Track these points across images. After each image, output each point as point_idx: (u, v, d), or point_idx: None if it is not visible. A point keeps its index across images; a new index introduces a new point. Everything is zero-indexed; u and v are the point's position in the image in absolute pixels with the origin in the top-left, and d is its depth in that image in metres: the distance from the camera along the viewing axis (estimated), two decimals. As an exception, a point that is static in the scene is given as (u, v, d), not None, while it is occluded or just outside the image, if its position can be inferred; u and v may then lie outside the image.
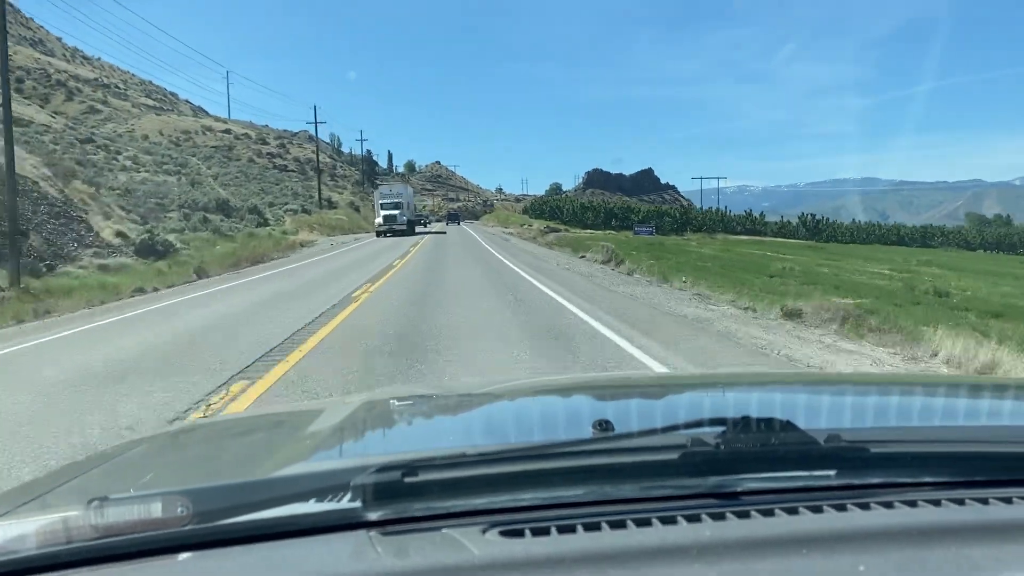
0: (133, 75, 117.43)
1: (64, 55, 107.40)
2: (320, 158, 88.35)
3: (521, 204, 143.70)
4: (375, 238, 44.77)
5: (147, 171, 46.25)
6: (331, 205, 50.05)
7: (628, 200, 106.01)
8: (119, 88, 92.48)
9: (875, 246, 72.03)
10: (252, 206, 38.69)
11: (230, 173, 59.11)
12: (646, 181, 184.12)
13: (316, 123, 63.16)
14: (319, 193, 55.75)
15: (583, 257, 26.58)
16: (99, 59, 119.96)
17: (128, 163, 47.31)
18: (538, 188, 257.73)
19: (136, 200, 30.87)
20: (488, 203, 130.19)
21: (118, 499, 0.98)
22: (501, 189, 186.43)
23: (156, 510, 0.95)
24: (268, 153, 69.72)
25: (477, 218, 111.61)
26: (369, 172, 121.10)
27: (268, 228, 36.54)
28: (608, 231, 67.97)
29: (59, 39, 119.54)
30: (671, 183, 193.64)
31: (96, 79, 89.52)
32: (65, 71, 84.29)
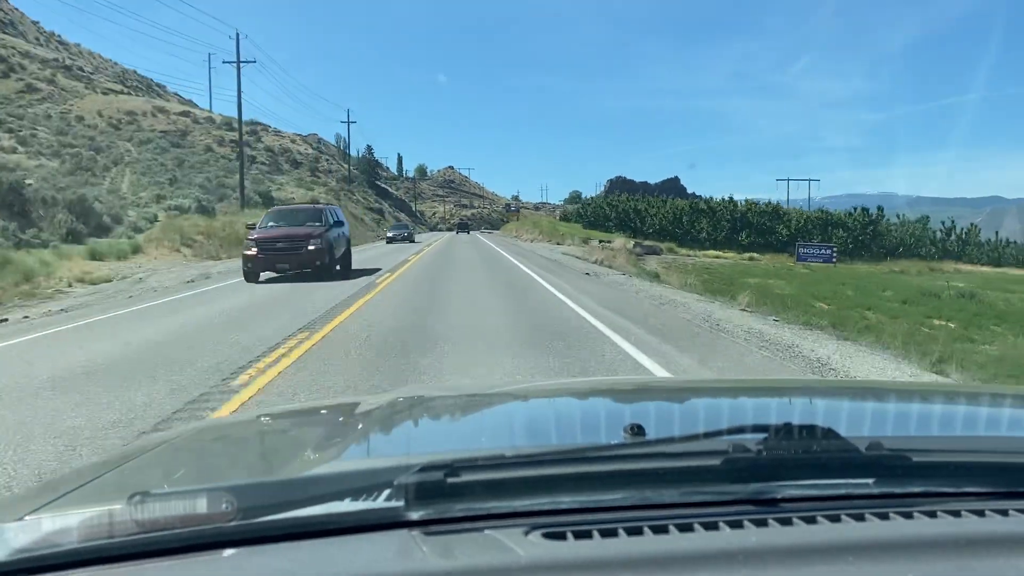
0: (115, 63, 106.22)
1: (37, 39, 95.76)
2: (304, 150, 74.40)
3: (542, 212, 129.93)
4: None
5: (25, 152, 32.49)
6: (271, 203, 35.54)
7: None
8: (82, 71, 79.26)
9: None
10: (76, 199, 23.64)
11: (159, 160, 45.22)
12: (672, 190, 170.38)
13: (239, 67, 38.05)
14: (241, 186, 39.63)
15: None
16: (78, 45, 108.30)
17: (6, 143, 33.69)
18: (557, 196, 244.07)
19: None
20: (511, 208, 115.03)
21: (161, 494, 0.97)
22: (518, 196, 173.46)
23: (201, 505, 0.93)
24: (232, 140, 55.75)
25: (495, 228, 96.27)
26: (370, 173, 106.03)
27: (78, 246, 20.90)
28: (747, 254, 44.10)
29: (36, 23, 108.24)
30: (697, 193, 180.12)
31: (56, 60, 76.77)
32: (14, 47, 71.41)
